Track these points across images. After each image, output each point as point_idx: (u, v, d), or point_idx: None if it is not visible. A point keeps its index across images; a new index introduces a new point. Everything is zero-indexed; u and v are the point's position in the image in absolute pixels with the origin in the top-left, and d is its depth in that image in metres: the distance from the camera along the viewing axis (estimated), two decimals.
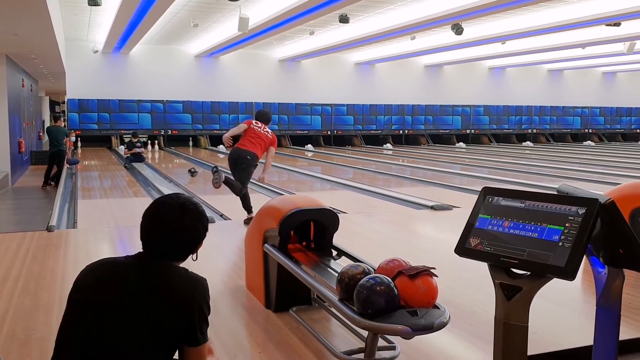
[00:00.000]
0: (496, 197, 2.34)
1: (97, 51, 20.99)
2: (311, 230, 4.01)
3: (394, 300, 2.65)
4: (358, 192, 10.39)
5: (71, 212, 8.57)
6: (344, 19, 15.14)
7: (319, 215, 3.88)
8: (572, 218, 2.06)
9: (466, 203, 7.86)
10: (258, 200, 6.83)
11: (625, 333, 2.98)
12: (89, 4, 12.31)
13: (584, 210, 2.05)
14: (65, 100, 22.57)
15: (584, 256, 2.06)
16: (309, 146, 22.86)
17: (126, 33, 17.24)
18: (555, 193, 2.41)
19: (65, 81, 21.44)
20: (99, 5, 12.46)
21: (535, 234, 2.13)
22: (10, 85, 12.97)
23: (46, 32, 10.48)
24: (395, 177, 13.58)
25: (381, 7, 15.07)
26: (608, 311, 2.24)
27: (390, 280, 2.71)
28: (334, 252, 3.86)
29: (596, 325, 2.29)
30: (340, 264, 3.54)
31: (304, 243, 4.04)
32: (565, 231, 2.05)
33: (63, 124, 13.47)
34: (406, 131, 26.50)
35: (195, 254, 2.12)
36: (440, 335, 2.77)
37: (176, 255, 2.05)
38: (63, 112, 16.83)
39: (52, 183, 12.12)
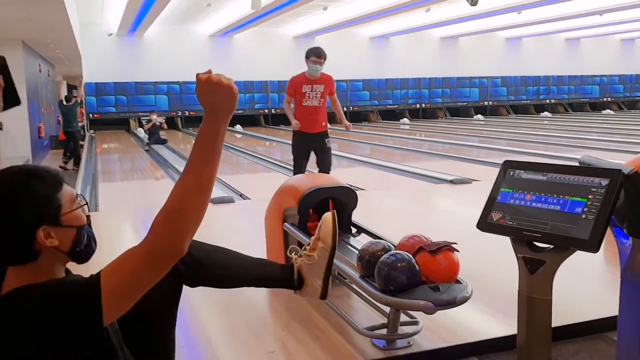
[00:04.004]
0: (517, 170, 2.32)
1: (112, 34, 21.02)
2: (330, 208, 4.01)
3: (416, 276, 2.65)
4: (375, 168, 10.37)
5: (92, 195, 8.65)
6: None
7: (337, 193, 3.88)
8: (595, 190, 2.04)
9: (486, 176, 7.82)
10: (276, 179, 6.84)
11: None
12: None
13: (607, 182, 2.02)
14: (82, 84, 22.70)
15: (608, 227, 2.05)
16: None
17: (140, 14, 17.24)
18: (577, 165, 2.39)
19: (81, 65, 21.53)
20: None
21: (558, 206, 2.11)
22: (27, 71, 13.05)
23: (61, 17, 10.50)
24: (413, 151, 13.53)
25: None
26: (633, 282, 2.22)
27: (411, 256, 2.71)
28: (354, 230, 3.86)
29: (621, 296, 2.28)
30: (360, 241, 3.54)
31: None
32: (589, 203, 2.03)
33: (73, 102, 13.39)
34: (423, 105, 26.31)
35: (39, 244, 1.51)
36: (463, 309, 2.77)
37: None
38: (74, 88, 16.80)
39: (67, 157, 12.29)
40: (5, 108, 2.13)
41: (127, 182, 10.04)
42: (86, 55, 20.55)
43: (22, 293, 1.47)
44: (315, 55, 6.18)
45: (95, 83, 21.70)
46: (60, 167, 12.19)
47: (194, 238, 1.54)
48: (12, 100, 2.16)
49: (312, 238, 2.47)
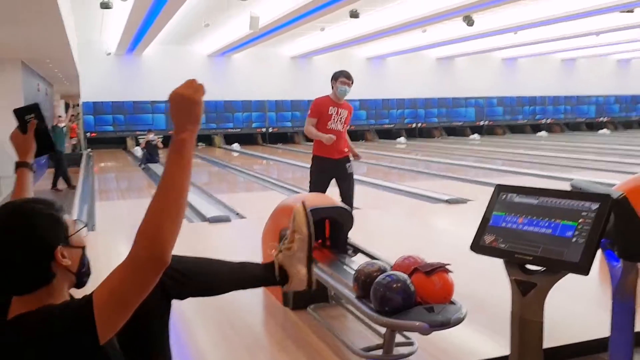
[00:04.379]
0: (510, 194, 2.36)
1: (110, 53, 21.13)
2: (326, 228, 4.04)
3: (411, 297, 2.68)
4: (372, 187, 10.40)
5: (90, 214, 8.65)
6: (354, 15, 15.15)
7: (333, 214, 3.91)
8: (585, 214, 2.08)
9: (481, 196, 7.84)
10: (273, 199, 6.86)
11: None
12: (101, 7, 12.43)
13: (597, 206, 2.06)
14: (80, 102, 22.78)
15: (599, 250, 2.08)
16: None
17: (138, 34, 17.35)
18: (569, 188, 2.43)
19: (79, 84, 21.62)
20: (111, 8, 12.57)
21: (549, 230, 2.15)
22: (26, 91, 13.12)
23: (59, 36, 10.59)
24: (409, 171, 13.57)
25: (391, 1, 15.05)
26: (623, 304, 2.26)
27: (406, 277, 2.73)
28: (350, 250, 3.89)
29: (612, 318, 2.31)
30: (356, 261, 3.56)
31: (320, 241, 4.06)
32: (579, 227, 2.07)
33: (56, 123, 12.71)
34: (419, 124, 26.43)
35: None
36: (458, 330, 2.79)
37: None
38: (68, 105, 16.43)
39: (54, 178, 12.18)
40: (38, 155, 2.20)
41: (124, 201, 10.05)
42: (84, 74, 20.66)
43: (22, 319, 1.50)
44: (345, 76, 5.91)
45: (93, 102, 21.77)
46: (53, 188, 12.11)
47: (178, 253, 1.57)
48: (46, 146, 2.24)
49: (288, 232, 2.54)
